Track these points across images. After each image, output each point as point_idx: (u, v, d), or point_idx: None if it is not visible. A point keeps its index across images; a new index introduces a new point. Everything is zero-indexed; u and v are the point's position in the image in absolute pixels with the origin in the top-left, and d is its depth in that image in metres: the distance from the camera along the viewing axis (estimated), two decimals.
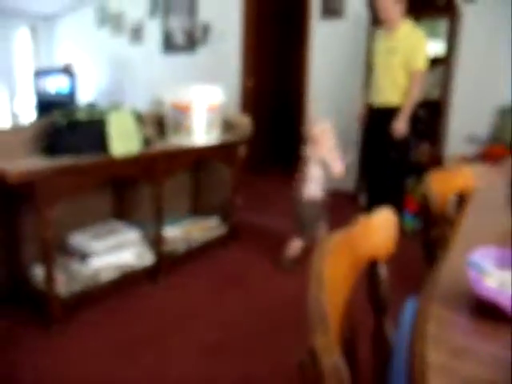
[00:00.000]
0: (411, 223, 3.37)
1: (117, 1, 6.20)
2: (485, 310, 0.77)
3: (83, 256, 2.41)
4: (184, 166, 3.10)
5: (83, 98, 6.51)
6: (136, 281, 2.53)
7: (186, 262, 2.83)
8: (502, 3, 3.55)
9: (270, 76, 5.57)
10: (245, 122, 3.21)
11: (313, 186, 2.75)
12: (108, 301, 2.34)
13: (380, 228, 0.98)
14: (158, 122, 2.88)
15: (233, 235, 3.21)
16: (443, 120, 3.83)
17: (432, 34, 3.69)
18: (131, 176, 2.57)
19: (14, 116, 6.79)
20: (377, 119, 3.37)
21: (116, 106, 2.50)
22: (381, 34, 3.36)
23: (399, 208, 3.26)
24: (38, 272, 2.26)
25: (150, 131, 2.65)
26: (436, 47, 3.74)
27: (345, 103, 4.40)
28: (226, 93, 3.01)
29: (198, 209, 3.39)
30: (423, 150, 3.80)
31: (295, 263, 2.80)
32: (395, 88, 3.23)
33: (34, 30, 7.09)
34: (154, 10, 5.84)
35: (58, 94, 6.36)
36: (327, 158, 2.70)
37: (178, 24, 5.64)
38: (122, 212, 2.84)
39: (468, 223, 1.27)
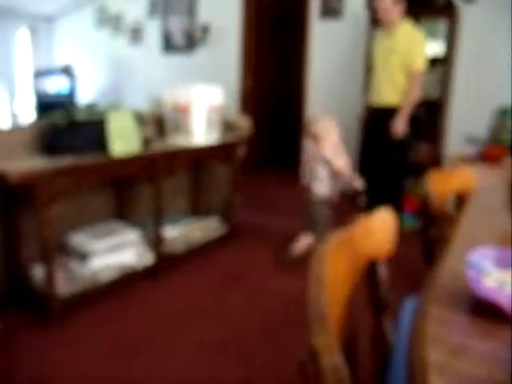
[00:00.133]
0: (410, 223, 3.37)
1: (116, 1, 6.20)
2: (484, 310, 0.77)
3: (83, 256, 2.41)
4: (183, 166, 3.10)
5: (83, 98, 6.51)
6: (136, 281, 2.53)
7: (186, 262, 2.83)
8: (501, 4, 3.56)
9: (269, 76, 5.58)
10: (244, 123, 3.22)
11: (321, 184, 2.76)
12: (107, 301, 2.34)
13: (379, 228, 0.98)
14: (157, 123, 2.88)
15: (232, 235, 3.21)
16: (442, 120, 3.84)
17: (431, 34, 3.69)
18: (131, 176, 2.57)
19: (14, 116, 6.78)
20: (376, 119, 3.37)
21: (115, 107, 2.50)
22: (380, 35, 3.37)
23: (398, 208, 3.26)
24: (38, 272, 2.26)
25: (150, 131, 2.65)
26: (435, 48, 3.74)
27: (344, 103, 4.40)
28: (225, 93, 3.01)
29: (198, 209, 3.39)
30: (422, 150, 3.80)
31: (298, 261, 2.80)
32: (394, 88, 3.23)
33: (33, 31, 7.09)
34: (153, 11, 5.84)
35: (57, 95, 6.35)
36: (328, 155, 2.70)
37: (177, 24, 5.64)
38: (122, 212, 2.84)
39: (467, 223, 1.27)
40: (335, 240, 0.82)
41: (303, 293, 0.78)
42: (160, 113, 2.91)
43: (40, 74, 6.51)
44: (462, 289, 0.83)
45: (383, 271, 0.99)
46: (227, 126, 3.13)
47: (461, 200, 1.59)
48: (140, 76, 6.16)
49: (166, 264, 2.70)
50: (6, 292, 2.29)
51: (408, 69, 3.16)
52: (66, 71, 6.38)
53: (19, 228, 2.28)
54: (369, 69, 3.67)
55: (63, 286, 2.22)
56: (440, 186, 1.47)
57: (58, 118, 2.23)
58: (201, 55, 5.50)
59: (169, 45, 5.79)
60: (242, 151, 3.22)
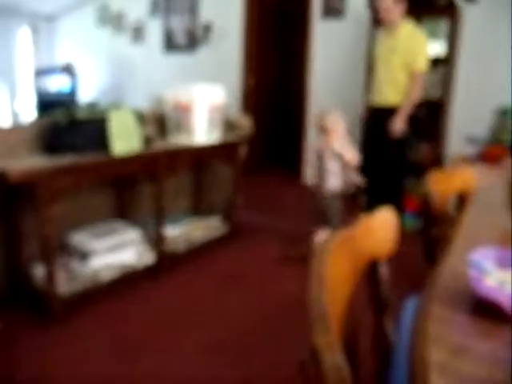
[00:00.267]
0: (411, 223, 3.37)
1: (118, 0, 6.20)
2: (485, 310, 0.77)
3: (84, 255, 2.41)
4: (185, 166, 3.10)
5: (84, 97, 6.51)
6: (136, 280, 2.53)
7: (187, 262, 2.83)
8: (503, 4, 3.55)
9: (270, 76, 5.57)
10: (245, 122, 3.22)
11: (333, 179, 2.83)
12: (108, 300, 2.34)
13: (380, 228, 0.98)
14: (158, 122, 2.88)
15: (233, 235, 3.21)
16: (443, 120, 3.83)
17: (433, 34, 3.69)
18: (132, 175, 2.57)
19: (15, 115, 6.79)
20: (377, 119, 3.37)
21: (117, 106, 2.50)
22: (382, 35, 3.37)
23: (399, 208, 3.26)
24: (38, 271, 2.27)
25: (151, 130, 2.65)
26: (437, 48, 3.74)
27: (346, 103, 4.39)
28: (226, 92, 3.01)
29: (199, 208, 3.39)
30: (423, 150, 3.80)
31: (303, 259, 2.80)
32: (396, 88, 3.23)
33: (34, 30, 7.09)
34: (154, 10, 5.84)
35: (58, 93, 6.35)
36: (339, 148, 2.79)
37: (179, 23, 5.64)
38: (123, 211, 2.84)
39: (468, 223, 1.27)
40: (336, 239, 0.82)
41: (304, 293, 0.78)
42: (161, 112, 2.91)
43: (41, 72, 6.52)
44: (463, 288, 0.83)
45: (384, 271, 0.99)
46: (228, 126, 3.14)
47: (462, 200, 1.59)
48: (141, 75, 6.16)
49: (167, 263, 2.70)
50: (6, 291, 2.29)
51: (409, 69, 3.16)
52: (67, 70, 6.39)
53: (20, 227, 2.28)
54: (370, 68, 3.66)
55: (64, 286, 2.22)
56: (441, 185, 1.47)
57: (58, 116, 2.23)
58: (202, 54, 5.50)
59: (170, 44, 5.79)
60: (243, 151, 3.22)
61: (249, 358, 1.91)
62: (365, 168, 3.13)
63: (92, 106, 2.44)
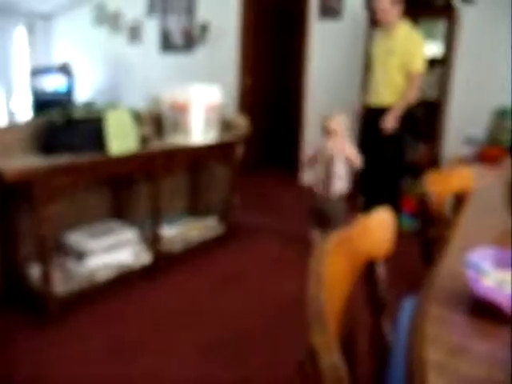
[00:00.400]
0: (409, 223, 3.37)
1: (114, 0, 6.19)
2: (483, 310, 0.77)
3: (80, 255, 2.40)
4: (181, 165, 3.10)
5: (80, 96, 6.49)
6: (133, 280, 2.53)
7: (184, 262, 2.83)
8: (500, 5, 3.56)
9: (267, 75, 5.57)
10: (242, 122, 3.21)
11: (339, 181, 2.84)
12: (105, 300, 2.33)
13: (378, 228, 0.98)
14: (155, 121, 2.87)
15: (230, 235, 3.20)
16: (441, 121, 3.84)
17: (430, 35, 3.70)
18: (128, 175, 2.56)
19: (11, 114, 6.76)
20: (374, 120, 3.37)
21: (113, 105, 2.49)
22: (379, 36, 3.37)
23: (397, 208, 3.26)
24: (35, 271, 2.25)
25: (148, 130, 2.65)
26: (434, 48, 3.75)
27: (342, 103, 4.39)
28: (223, 92, 3.01)
29: (196, 208, 3.38)
30: (421, 151, 3.81)
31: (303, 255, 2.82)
32: (393, 89, 3.24)
33: (31, 29, 7.07)
34: (151, 9, 5.83)
35: (55, 93, 6.33)
36: (350, 151, 2.84)
37: (175, 23, 5.63)
38: (120, 211, 2.83)
39: (466, 223, 1.27)
40: (334, 239, 0.82)
41: (302, 292, 0.78)
42: (158, 112, 2.90)
43: (37, 72, 6.49)
44: (461, 289, 0.83)
45: (381, 271, 0.99)
46: (225, 125, 3.13)
47: (459, 200, 1.60)
48: (138, 75, 6.15)
49: (164, 264, 2.69)
50: (2, 291, 2.28)
51: (406, 70, 3.17)
52: (64, 69, 6.37)
53: (16, 227, 2.27)
54: (367, 69, 3.67)
55: (60, 286, 2.21)
56: (438, 186, 1.47)
57: (55, 116, 2.22)
58: (199, 54, 5.49)
59: (167, 44, 5.78)
60: (240, 151, 3.22)
61: (247, 358, 1.91)
62: (362, 169, 3.14)
63: (88, 105, 2.44)
